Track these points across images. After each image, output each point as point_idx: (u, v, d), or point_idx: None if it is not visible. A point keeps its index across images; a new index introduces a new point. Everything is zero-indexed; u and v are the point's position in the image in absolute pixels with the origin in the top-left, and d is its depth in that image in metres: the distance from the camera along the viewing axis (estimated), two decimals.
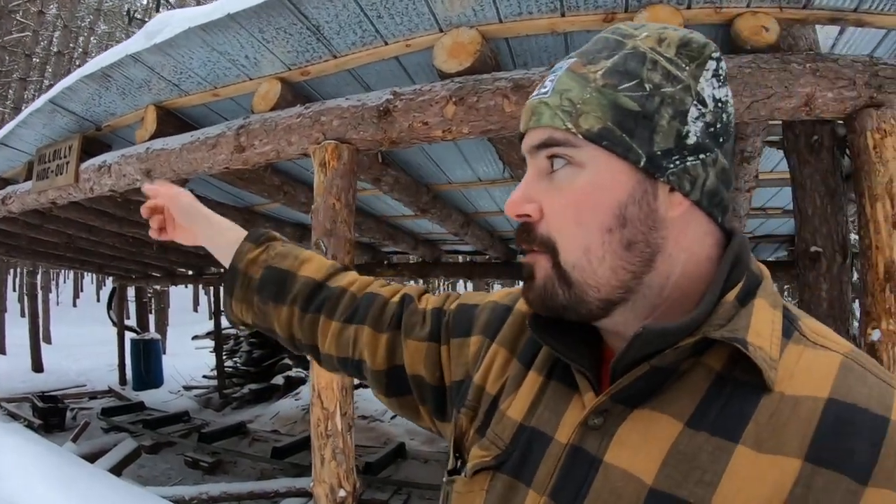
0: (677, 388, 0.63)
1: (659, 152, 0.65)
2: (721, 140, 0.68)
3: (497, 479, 0.73)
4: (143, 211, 1.18)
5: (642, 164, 0.65)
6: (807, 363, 0.61)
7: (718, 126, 0.68)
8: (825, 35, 2.78)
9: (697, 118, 0.66)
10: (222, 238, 1.12)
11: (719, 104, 0.68)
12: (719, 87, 0.68)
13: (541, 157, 0.69)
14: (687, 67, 0.67)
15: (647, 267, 0.66)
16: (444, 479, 0.84)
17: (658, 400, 0.64)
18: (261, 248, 1.06)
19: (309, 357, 1.07)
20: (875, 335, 2.12)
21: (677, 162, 0.66)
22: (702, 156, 0.67)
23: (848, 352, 0.61)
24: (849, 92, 2.19)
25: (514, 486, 0.70)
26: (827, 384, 0.58)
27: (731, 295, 0.64)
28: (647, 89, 0.66)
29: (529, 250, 0.71)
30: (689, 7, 2.23)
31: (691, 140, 0.66)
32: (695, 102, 0.66)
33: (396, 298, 0.98)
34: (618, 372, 0.65)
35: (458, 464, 0.81)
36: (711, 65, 0.68)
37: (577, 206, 0.66)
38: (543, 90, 0.70)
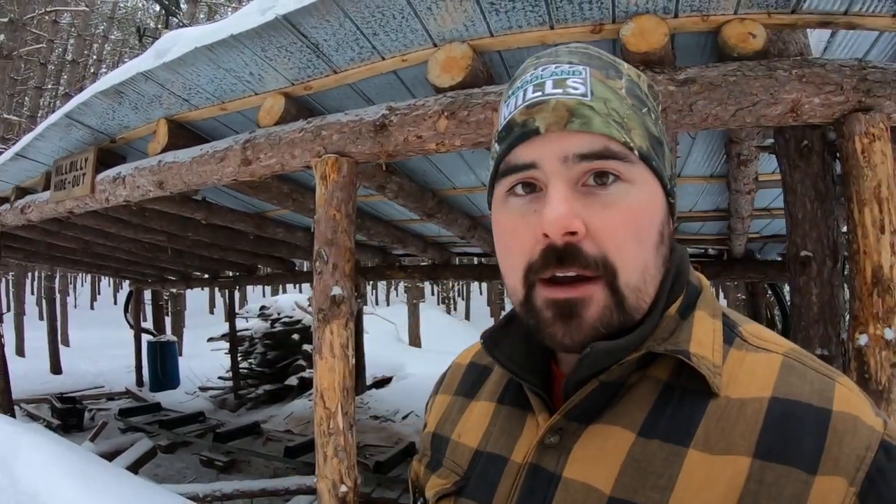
0: (627, 401, 0.65)
1: (669, 176, 0.69)
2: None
3: (459, 503, 0.75)
4: None
5: (669, 186, 0.69)
6: (749, 366, 0.62)
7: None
8: (817, 38, 2.75)
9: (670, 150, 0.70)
10: None
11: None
12: None
13: (580, 167, 0.63)
14: (657, 106, 0.71)
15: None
16: None
17: (610, 413, 0.65)
18: None
19: None
20: (862, 340, 2.09)
21: (674, 186, 0.71)
22: (674, 182, 0.72)
23: (788, 350, 0.63)
24: (836, 97, 2.17)
25: None
26: (769, 383, 0.59)
27: (673, 309, 0.67)
28: (654, 118, 0.68)
29: (575, 279, 0.63)
30: (675, 16, 2.22)
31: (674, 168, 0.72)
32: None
33: None
34: (569, 390, 0.66)
35: (420, 501, 0.85)
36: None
37: (638, 224, 0.64)
38: (577, 91, 0.64)
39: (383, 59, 2.62)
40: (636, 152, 0.63)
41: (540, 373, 0.73)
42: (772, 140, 2.98)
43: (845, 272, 2.66)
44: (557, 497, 0.64)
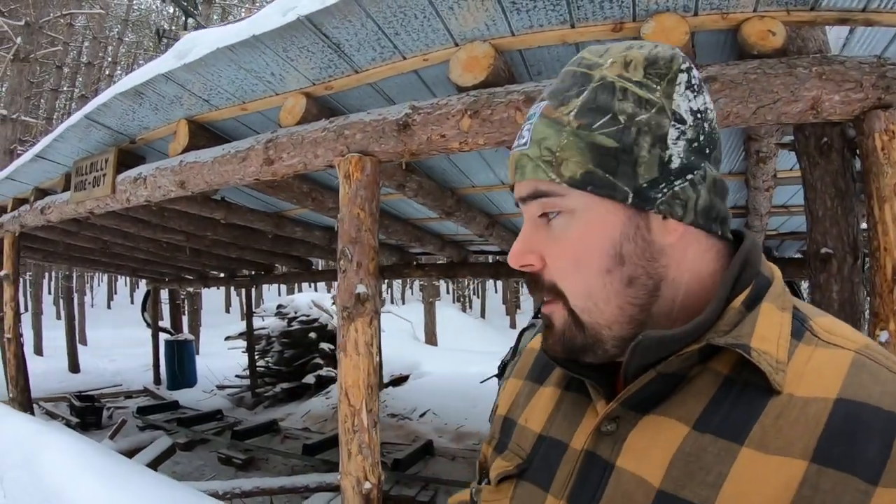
0: (686, 393, 0.64)
1: (645, 184, 0.65)
2: (707, 151, 0.68)
3: (520, 486, 0.76)
4: None
5: (630, 200, 0.65)
6: (817, 363, 0.59)
7: (702, 139, 0.67)
8: (835, 36, 2.74)
9: (678, 138, 0.65)
10: None
11: (699, 116, 0.67)
12: (695, 97, 0.68)
13: (533, 207, 0.69)
14: (658, 87, 0.66)
15: (652, 298, 0.67)
16: (472, 490, 0.89)
17: (667, 405, 0.64)
18: None
19: None
20: (883, 336, 2.07)
21: (665, 189, 0.65)
22: (689, 176, 0.66)
23: (861, 348, 0.60)
24: (856, 94, 2.15)
25: (535, 492, 0.73)
26: (836, 383, 0.56)
27: (738, 301, 0.65)
28: (622, 122, 0.65)
29: (543, 300, 0.72)
30: (695, 14, 2.22)
31: (675, 164, 0.65)
32: (672, 123, 0.65)
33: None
34: (627, 379, 0.67)
35: (485, 482, 0.85)
36: (682, 77, 0.67)
37: (575, 253, 0.67)
38: (522, 141, 0.70)
39: (404, 58, 2.64)
40: (565, 184, 0.66)
41: (598, 368, 0.73)
42: (791, 137, 2.97)
43: (865, 269, 2.65)
44: (610, 486, 0.64)
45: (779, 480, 0.53)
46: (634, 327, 0.67)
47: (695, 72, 0.69)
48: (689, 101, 0.67)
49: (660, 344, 0.63)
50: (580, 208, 0.66)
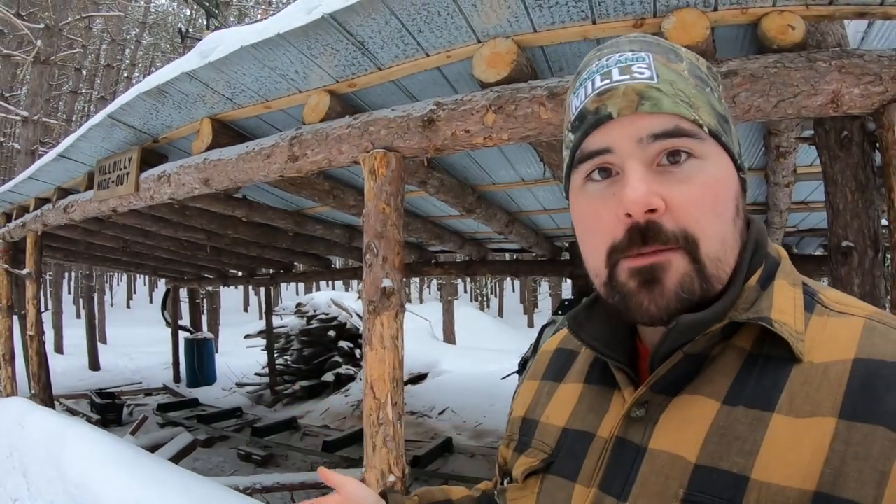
0: (712, 371, 0.66)
1: (738, 152, 0.71)
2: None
3: (547, 480, 0.77)
4: None
5: (738, 161, 0.71)
6: (832, 331, 0.63)
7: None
8: (854, 30, 2.73)
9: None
10: None
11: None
12: None
13: (664, 144, 0.66)
14: (717, 82, 0.74)
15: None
16: (497, 490, 0.89)
17: (695, 384, 0.66)
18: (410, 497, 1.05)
19: None
20: None
21: (743, 161, 0.73)
22: (743, 158, 0.74)
23: (870, 314, 0.63)
24: (875, 87, 2.14)
25: (562, 483, 0.74)
26: (852, 346, 0.60)
27: (754, 279, 0.69)
28: (717, 97, 0.71)
29: (651, 251, 0.65)
30: (715, 9, 2.23)
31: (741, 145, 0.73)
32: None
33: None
34: (655, 363, 0.68)
35: (505, 482, 0.86)
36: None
37: (715, 197, 0.66)
38: (641, 75, 0.67)
39: (427, 55, 2.66)
40: (706, 129, 0.66)
41: (625, 350, 0.75)
42: (811, 131, 2.97)
43: (886, 262, 2.65)
44: (644, 468, 0.65)
45: (811, 440, 0.56)
46: (723, 287, 0.68)
47: None
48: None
49: (693, 326, 0.64)
50: (712, 156, 0.68)
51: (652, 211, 0.64)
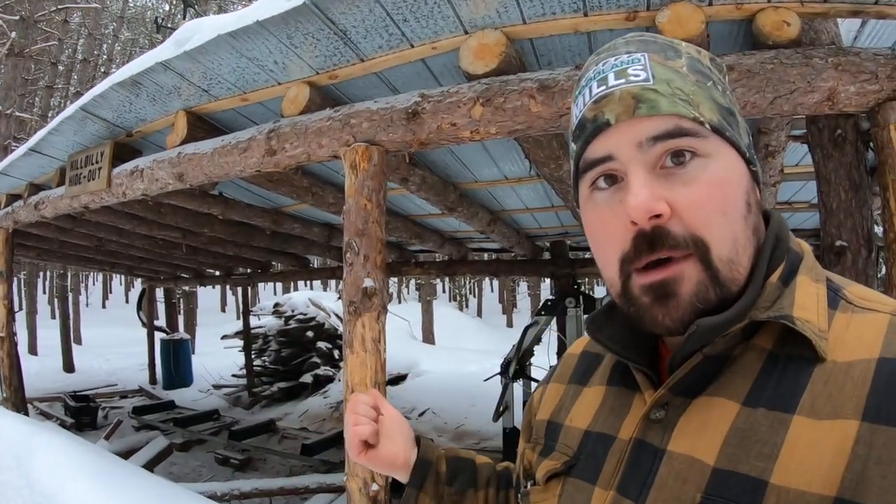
0: (732, 372, 0.64)
1: (746, 145, 0.70)
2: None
3: (568, 482, 0.76)
4: (359, 409, 1.00)
5: (746, 154, 0.69)
6: (856, 328, 0.61)
7: None
8: (847, 28, 2.75)
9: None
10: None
11: None
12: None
13: (666, 146, 0.65)
14: (722, 74, 0.73)
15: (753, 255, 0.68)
16: (520, 493, 0.88)
17: (715, 386, 0.65)
18: (437, 448, 1.06)
19: None
20: None
21: (753, 153, 0.71)
22: (753, 149, 0.72)
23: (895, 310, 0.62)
24: (871, 85, 2.16)
25: (582, 486, 0.73)
26: (877, 344, 0.58)
27: (775, 276, 0.67)
28: (721, 89, 0.70)
29: (662, 259, 0.65)
30: (710, 4, 2.21)
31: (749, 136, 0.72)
32: None
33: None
34: (675, 365, 0.67)
35: (528, 485, 0.85)
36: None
37: (722, 196, 0.65)
38: (637, 77, 0.66)
39: (412, 46, 2.58)
40: (708, 125, 0.65)
41: (646, 352, 0.74)
42: (801, 130, 2.96)
43: (880, 262, 2.63)
44: (661, 471, 0.64)
45: (833, 443, 0.54)
46: (740, 289, 0.66)
47: None
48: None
49: (713, 329, 0.63)
50: (717, 153, 0.66)
51: (657, 216, 0.63)
